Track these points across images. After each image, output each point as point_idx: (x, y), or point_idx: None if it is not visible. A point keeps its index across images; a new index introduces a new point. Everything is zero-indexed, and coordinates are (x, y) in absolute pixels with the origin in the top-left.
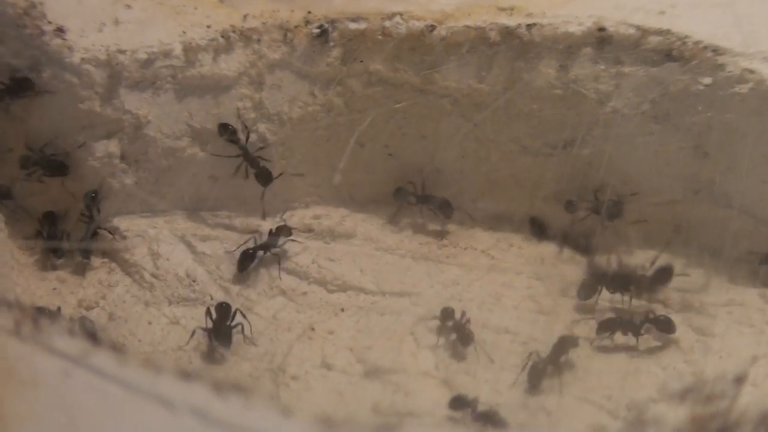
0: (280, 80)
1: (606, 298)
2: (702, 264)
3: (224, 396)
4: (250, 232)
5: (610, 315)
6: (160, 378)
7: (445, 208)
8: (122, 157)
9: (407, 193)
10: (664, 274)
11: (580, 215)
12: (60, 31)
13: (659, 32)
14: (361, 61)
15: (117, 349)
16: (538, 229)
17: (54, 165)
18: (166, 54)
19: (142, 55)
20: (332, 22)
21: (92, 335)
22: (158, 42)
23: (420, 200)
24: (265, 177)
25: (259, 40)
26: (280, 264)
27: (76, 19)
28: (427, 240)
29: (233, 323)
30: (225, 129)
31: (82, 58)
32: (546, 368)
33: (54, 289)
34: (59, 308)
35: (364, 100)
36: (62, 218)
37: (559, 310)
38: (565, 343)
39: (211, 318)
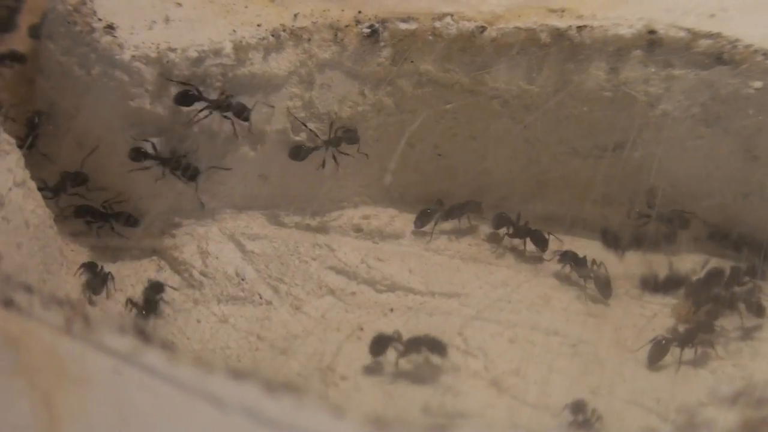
0: (330, 80)
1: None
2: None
3: (275, 395)
4: (300, 229)
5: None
6: (211, 376)
7: (541, 242)
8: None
9: (508, 220)
10: (716, 277)
11: (643, 222)
12: (110, 28)
13: (710, 35)
14: (412, 62)
15: (167, 347)
16: (612, 240)
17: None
18: (217, 52)
19: (193, 54)
20: (383, 22)
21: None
22: (209, 40)
23: (518, 232)
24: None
25: (309, 40)
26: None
27: (127, 16)
28: (476, 241)
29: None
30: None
31: (133, 56)
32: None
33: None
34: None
35: (414, 100)
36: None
37: (608, 313)
38: None
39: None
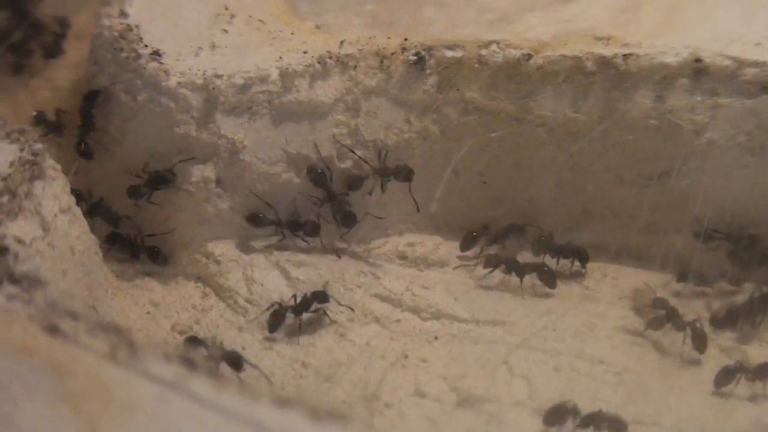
0: (376, 107)
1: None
2: None
3: (319, 423)
4: (345, 257)
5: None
6: (256, 404)
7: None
8: (218, 182)
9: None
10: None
11: (712, 246)
12: (156, 54)
13: (755, 64)
14: (458, 89)
15: (212, 374)
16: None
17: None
18: (263, 79)
19: (239, 80)
20: (429, 49)
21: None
22: (255, 67)
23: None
24: (349, 220)
25: (355, 67)
26: (300, 327)
27: (173, 42)
28: None
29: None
30: (312, 171)
31: (179, 82)
32: None
33: (148, 312)
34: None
35: (460, 128)
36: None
37: (652, 341)
38: None
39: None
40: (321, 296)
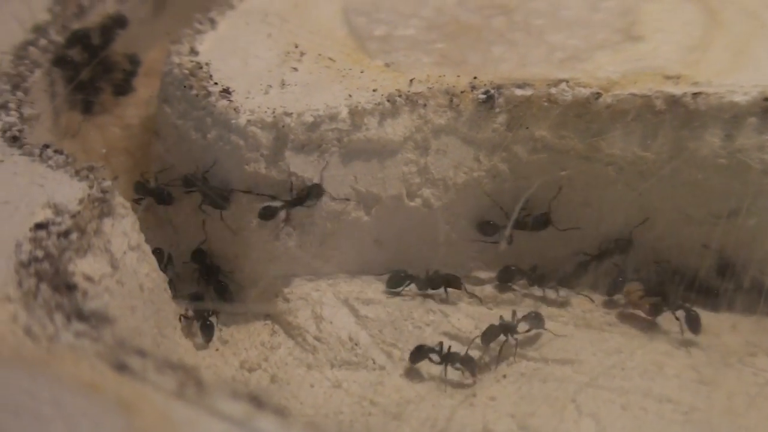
0: (446, 145)
1: None
2: None
3: None
4: (414, 295)
5: None
6: None
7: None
8: (287, 220)
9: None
10: None
11: None
12: (226, 92)
13: None
14: (527, 128)
15: (280, 412)
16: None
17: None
18: (332, 117)
19: (309, 118)
20: (498, 87)
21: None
22: (324, 105)
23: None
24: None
25: (425, 105)
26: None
27: (242, 80)
28: (590, 307)
29: None
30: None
31: (248, 120)
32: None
33: (216, 350)
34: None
35: (529, 166)
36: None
37: (721, 380)
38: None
39: None
40: (317, 190)
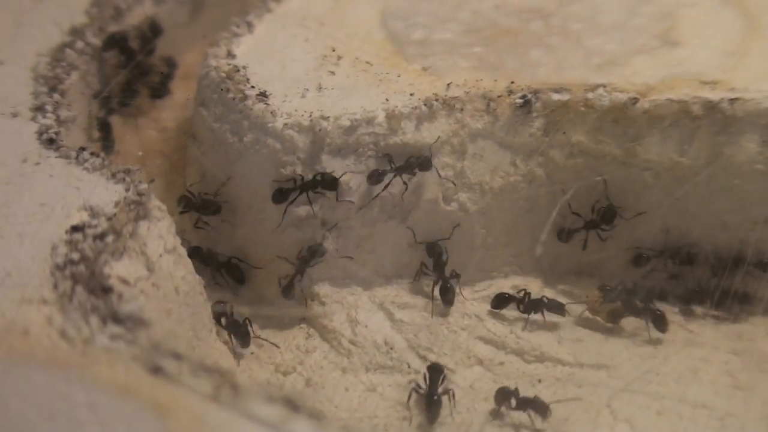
0: (482, 149)
1: None
2: None
3: None
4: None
5: None
6: None
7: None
8: (323, 224)
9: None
10: None
11: None
12: (263, 95)
13: None
14: (564, 132)
15: (315, 416)
16: None
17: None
18: (369, 121)
19: (345, 122)
20: (535, 92)
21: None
22: (361, 109)
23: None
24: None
25: (462, 109)
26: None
27: (279, 84)
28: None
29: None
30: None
31: (285, 123)
32: None
33: (252, 353)
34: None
35: (565, 171)
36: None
37: (756, 386)
38: None
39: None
40: (330, 182)
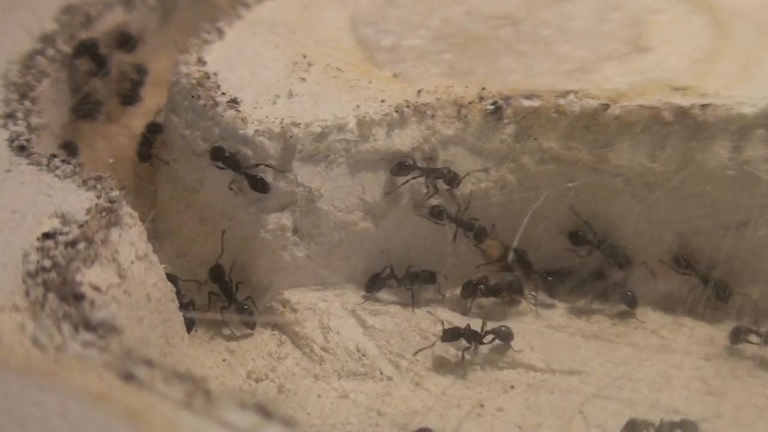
0: (454, 156)
1: None
2: None
3: None
4: (422, 305)
5: None
6: None
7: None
8: (294, 230)
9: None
10: None
11: None
12: (234, 102)
13: None
14: (535, 139)
15: (287, 422)
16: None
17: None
18: (340, 128)
19: (316, 129)
20: (506, 98)
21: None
22: (332, 115)
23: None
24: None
25: (433, 116)
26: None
27: (250, 91)
28: (597, 318)
29: None
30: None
31: (256, 130)
32: None
33: (224, 360)
34: None
35: (537, 177)
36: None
37: (728, 392)
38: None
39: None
40: (452, 177)
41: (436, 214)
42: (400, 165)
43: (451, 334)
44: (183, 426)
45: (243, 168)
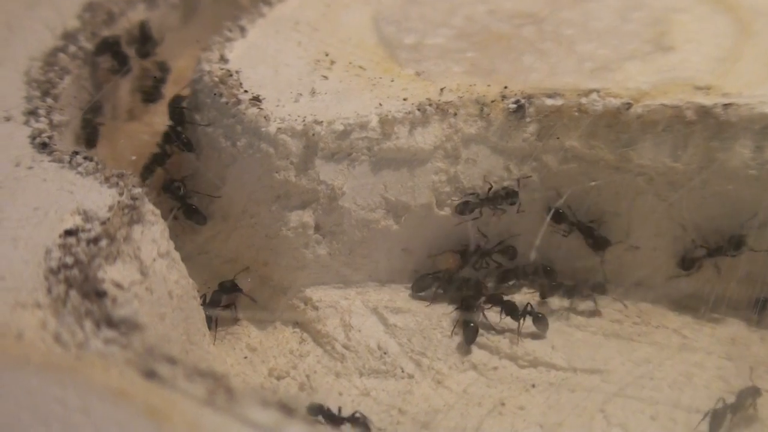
0: (476, 154)
1: None
2: None
3: None
4: (443, 303)
5: None
6: None
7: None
8: (316, 228)
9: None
10: None
11: None
12: (256, 100)
13: None
14: (557, 138)
15: (309, 420)
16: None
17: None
18: (363, 126)
19: (339, 127)
20: (529, 97)
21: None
22: (355, 114)
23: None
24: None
25: (455, 114)
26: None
27: (273, 88)
28: (618, 317)
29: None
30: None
31: (279, 128)
32: (727, 415)
33: (245, 357)
34: None
35: (559, 176)
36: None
37: None
38: (751, 394)
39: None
40: (512, 195)
41: (462, 208)
42: (466, 204)
43: (494, 300)
44: (205, 423)
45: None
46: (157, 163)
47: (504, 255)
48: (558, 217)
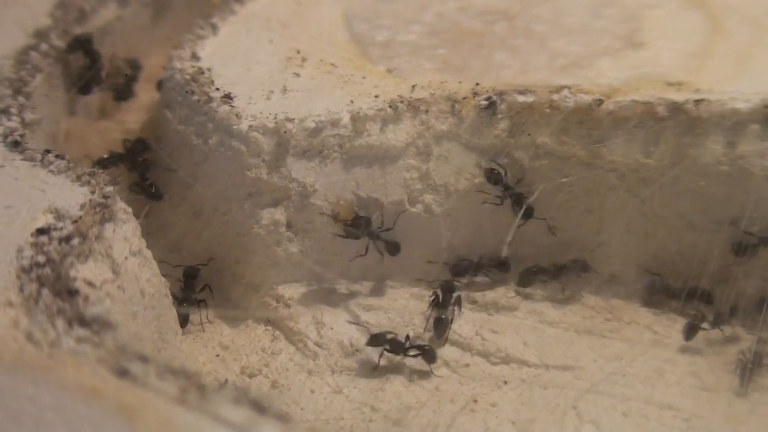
0: (448, 151)
1: None
2: None
3: None
4: (415, 300)
5: None
6: None
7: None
8: (288, 226)
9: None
10: None
11: None
12: (228, 98)
13: None
14: (529, 134)
15: (281, 418)
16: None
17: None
18: (334, 123)
19: (310, 124)
20: (500, 94)
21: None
22: (326, 111)
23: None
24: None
25: (427, 111)
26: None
27: (244, 86)
28: (590, 314)
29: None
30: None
31: (250, 126)
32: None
33: (217, 355)
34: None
35: (530, 173)
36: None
37: (722, 387)
38: None
39: None
40: (504, 264)
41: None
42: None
43: (375, 341)
44: (177, 421)
45: None
46: (114, 163)
47: (499, 269)
48: (491, 176)
